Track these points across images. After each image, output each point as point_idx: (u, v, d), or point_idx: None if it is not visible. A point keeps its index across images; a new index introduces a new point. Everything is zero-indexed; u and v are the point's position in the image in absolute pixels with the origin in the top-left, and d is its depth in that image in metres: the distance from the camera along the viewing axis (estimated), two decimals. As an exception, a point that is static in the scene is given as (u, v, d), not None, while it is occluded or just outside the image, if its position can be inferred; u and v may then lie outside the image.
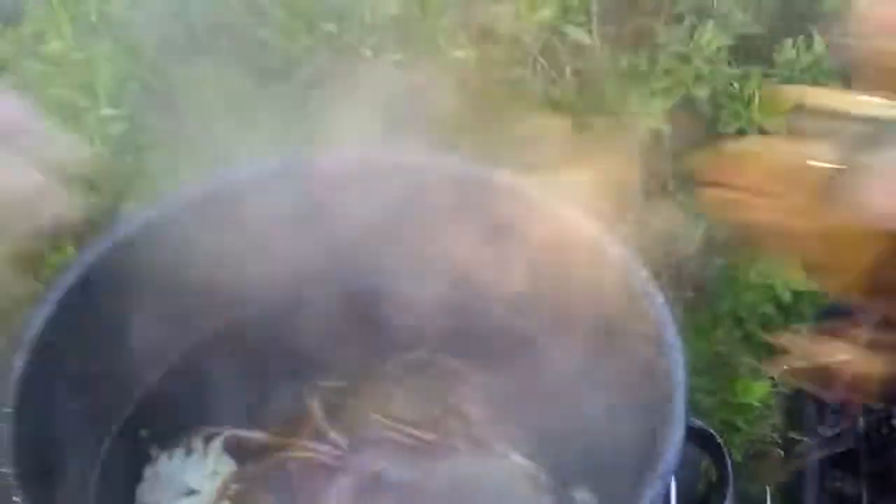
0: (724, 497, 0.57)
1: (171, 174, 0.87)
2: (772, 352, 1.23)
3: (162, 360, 0.67)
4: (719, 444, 0.59)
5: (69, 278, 0.58)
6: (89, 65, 0.82)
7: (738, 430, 1.17)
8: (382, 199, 0.69)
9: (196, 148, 0.89)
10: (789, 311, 1.18)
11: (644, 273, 0.65)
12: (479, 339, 0.72)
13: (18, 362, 0.53)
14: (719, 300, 1.17)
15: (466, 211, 0.69)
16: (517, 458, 0.71)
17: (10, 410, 0.51)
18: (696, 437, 0.61)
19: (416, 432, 0.70)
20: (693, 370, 1.27)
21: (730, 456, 0.59)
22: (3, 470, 0.50)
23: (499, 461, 0.70)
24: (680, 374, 0.59)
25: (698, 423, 0.60)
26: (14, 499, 0.49)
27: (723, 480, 0.58)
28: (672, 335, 0.61)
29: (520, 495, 0.69)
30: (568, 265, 0.68)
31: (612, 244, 0.66)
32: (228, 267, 0.65)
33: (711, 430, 0.60)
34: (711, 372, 1.26)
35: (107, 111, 0.82)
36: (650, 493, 0.53)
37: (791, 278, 1.09)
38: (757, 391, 1.15)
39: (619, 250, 0.66)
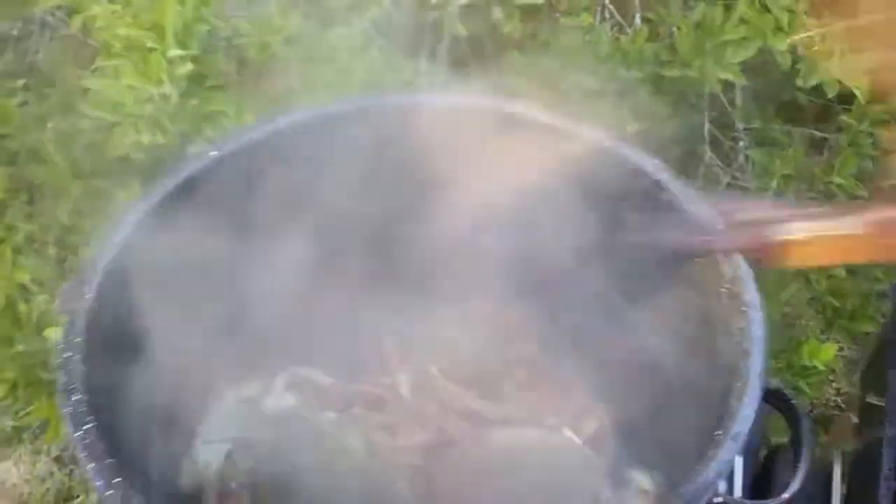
0: (798, 459, 0.55)
1: (237, 116, 0.86)
2: (840, 315, 1.20)
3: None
4: (793, 405, 0.57)
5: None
6: (158, 5, 0.81)
7: (801, 392, 1.15)
8: (439, 140, 0.67)
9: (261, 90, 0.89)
10: (859, 275, 1.15)
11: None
12: (546, 291, 0.71)
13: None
14: (789, 260, 1.14)
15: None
16: (569, 434, 0.69)
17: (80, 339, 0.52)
18: (768, 398, 0.59)
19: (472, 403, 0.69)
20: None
21: (805, 419, 0.57)
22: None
23: (552, 436, 0.69)
24: (759, 331, 0.57)
25: (774, 383, 0.58)
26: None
27: (797, 443, 0.55)
28: (751, 292, 0.59)
29: (571, 472, 0.68)
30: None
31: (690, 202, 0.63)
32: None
33: (786, 392, 0.58)
34: (777, 334, 1.23)
35: (174, 51, 0.81)
36: (722, 453, 0.51)
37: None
38: (823, 354, 1.12)
39: (698, 209, 0.63)
